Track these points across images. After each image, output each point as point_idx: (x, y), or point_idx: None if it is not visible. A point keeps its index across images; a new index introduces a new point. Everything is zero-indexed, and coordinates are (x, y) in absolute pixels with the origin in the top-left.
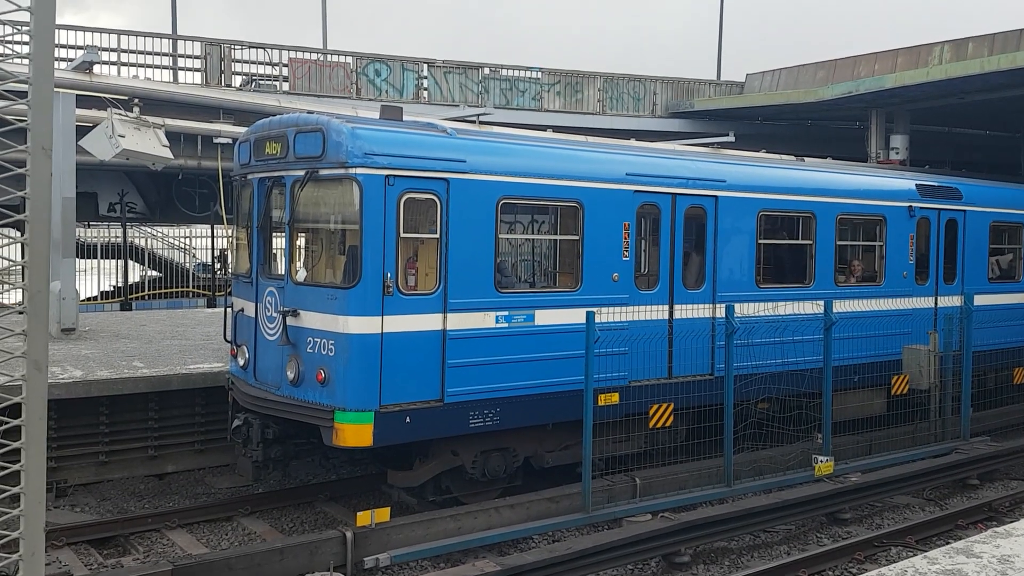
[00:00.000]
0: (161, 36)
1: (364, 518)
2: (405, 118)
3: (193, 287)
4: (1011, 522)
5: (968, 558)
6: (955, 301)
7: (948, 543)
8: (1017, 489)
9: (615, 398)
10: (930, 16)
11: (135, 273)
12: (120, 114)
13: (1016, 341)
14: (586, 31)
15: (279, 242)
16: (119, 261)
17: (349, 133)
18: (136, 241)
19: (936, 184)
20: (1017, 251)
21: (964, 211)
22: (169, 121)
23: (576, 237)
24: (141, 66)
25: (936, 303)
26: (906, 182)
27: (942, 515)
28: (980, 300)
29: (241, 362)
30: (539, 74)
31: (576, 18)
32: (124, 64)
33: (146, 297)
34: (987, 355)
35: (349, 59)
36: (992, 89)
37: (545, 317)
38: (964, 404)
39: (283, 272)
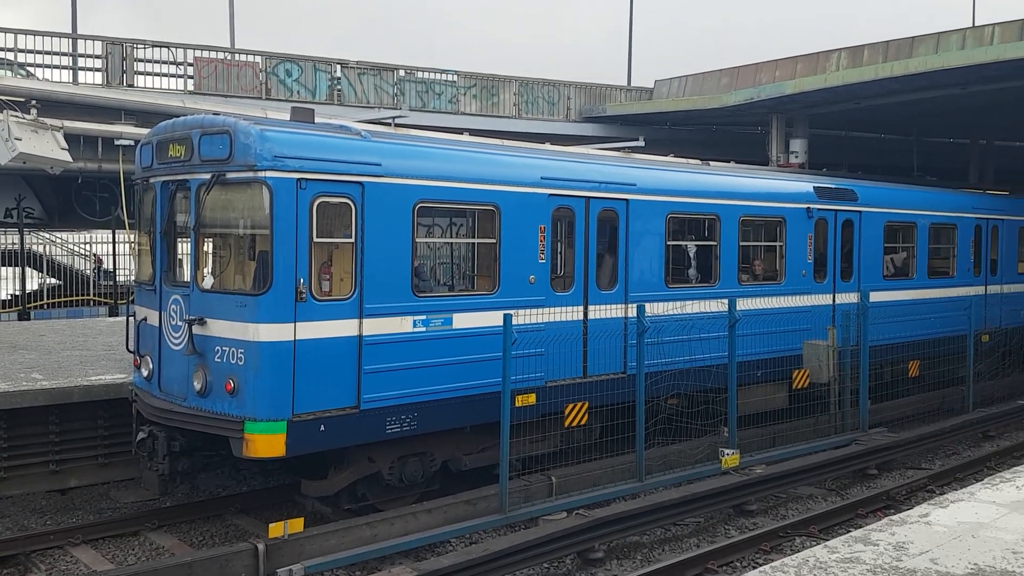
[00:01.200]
0: (60, 35)
1: (276, 529)
2: (318, 120)
3: (94, 295)
4: (907, 510)
5: (866, 546)
6: (852, 298)
7: (848, 531)
8: (913, 478)
9: (532, 399)
10: (838, 21)
11: (33, 281)
12: (16, 116)
13: (911, 335)
14: (502, 38)
15: (184, 248)
16: (16, 269)
17: (258, 135)
18: (34, 247)
19: (833, 186)
20: (910, 249)
21: (860, 212)
22: (68, 123)
23: (493, 240)
24: (39, 66)
25: (834, 300)
26: (805, 184)
27: (843, 504)
28: (876, 297)
29: (145, 373)
30: (455, 77)
31: (493, 25)
32: (21, 64)
33: (45, 306)
34: (883, 349)
35: (258, 59)
36: (886, 94)
37: (463, 320)
38: (862, 397)
39: (188, 279)
